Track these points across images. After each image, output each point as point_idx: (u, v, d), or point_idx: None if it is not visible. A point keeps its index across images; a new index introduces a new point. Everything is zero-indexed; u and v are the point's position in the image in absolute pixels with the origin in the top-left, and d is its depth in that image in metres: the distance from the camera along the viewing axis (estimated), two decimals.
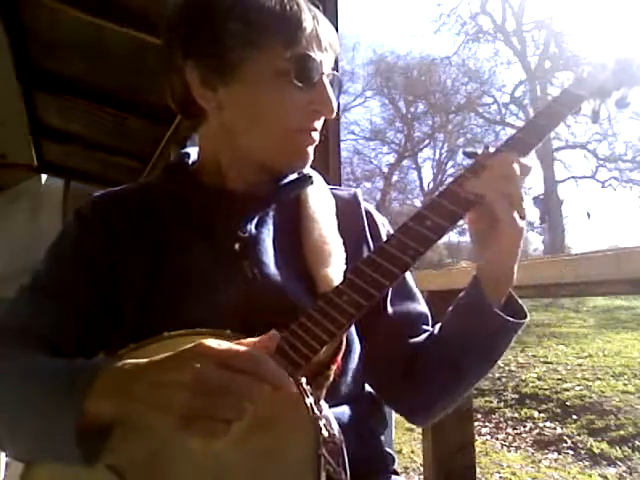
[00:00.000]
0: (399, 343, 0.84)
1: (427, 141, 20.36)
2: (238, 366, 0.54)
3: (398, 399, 0.87)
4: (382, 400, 0.90)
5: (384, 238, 0.90)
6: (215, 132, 0.82)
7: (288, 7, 0.75)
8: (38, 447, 0.64)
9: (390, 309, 0.86)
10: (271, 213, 0.84)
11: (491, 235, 0.70)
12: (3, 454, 1.90)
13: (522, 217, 0.68)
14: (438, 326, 0.83)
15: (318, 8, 0.80)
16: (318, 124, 0.81)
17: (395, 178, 20.72)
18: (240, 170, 0.83)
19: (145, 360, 0.59)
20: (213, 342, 0.56)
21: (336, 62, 0.84)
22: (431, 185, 19.74)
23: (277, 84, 0.76)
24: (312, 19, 0.77)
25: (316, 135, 0.81)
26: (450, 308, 0.80)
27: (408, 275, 0.89)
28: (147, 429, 0.59)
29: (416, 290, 0.91)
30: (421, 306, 0.90)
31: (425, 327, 0.88)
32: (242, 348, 0.56)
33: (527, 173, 0.70)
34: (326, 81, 0.78)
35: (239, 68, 0.75)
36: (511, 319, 0.73)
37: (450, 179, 0.74)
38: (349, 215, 0.88)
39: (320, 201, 0.86)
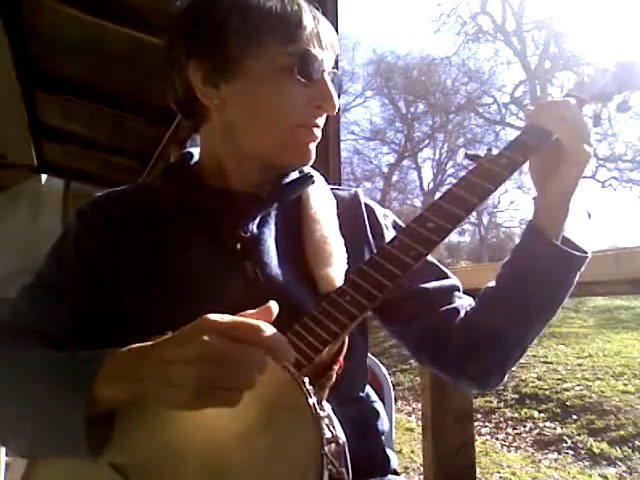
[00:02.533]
0: (445, 317, 0.83)
1: (427, 141, 20.32)
2: (242, 336, 0.55)
3: (469, 369, 0.83)
4: (453, 378, 0.87)
5: (386, 231, 0.90)
6: (217, 131, 0.82)
7: (288, 7, 0.76)
8: (42, 440, 0.64)
9: (424, 288, 0.85)
10: (273, 213, 0.84)
11: (555, 170, 0.72)
12: (3, 454, 1.90)
13: (589, 145, 0.71)
14: (492, 283, 0.81)
15: (318, 10, 0.81)
16: (320, 121, 0.81)
17: (395, 178, 20.69)
18: (242, 169, 0.83)
19: (150, 342, 0.59)
20: (216, 316, 0.56)
21: (336, 63, 0.85)
22: (431, 185, 19.69)
23: (279, 80, 0.77)
24: (312, 18, 0.78)
25: (318, 132, 0.82)
26: (505, 260, 0.80)
27: (431, 258, 0.88)
28: (152, 427, 0.60)
29: (444, 268, 0.91)
30: (452, 279, 0.89)
31: (461, 295, 0.87)
32: (244, 319, 0.57)
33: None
34: (327, 78, 0.79)
35: (241, 65, 0.76)
36: (576, 252, 0.74)
37: (450, 179, 0.75)
38: (350, 215, 0.88)
39: (321, 201, 0.86)
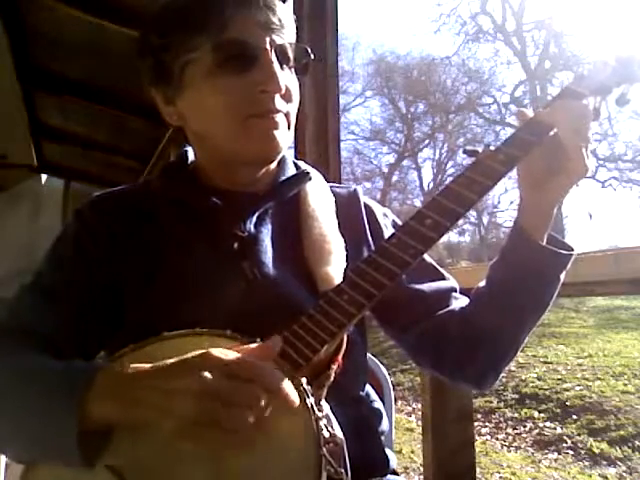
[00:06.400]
0: (443, 320, 0.83)
1: (427, 141, 20.32)
2: (244, 376, 0.55)
3: (466, 371, 0.84)
4: (451, 380, 0.88)
5: (386, 230, 0.90)
6: (192, 140, 0.84)
7: (192, 1, 0.75)
8: (37, 448, 0.64)
9: (422, 291, 0.86)
10: (270, 211, 0.83)
11: (550, 174, 0.72)
12: (3, 455, 1.90)
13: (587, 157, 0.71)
14: (482, 284, 0.82)
15: None
16: (279, 105, 0.76)
17: (395, 178, 20.68)
18: (226, 171, 0.83)
19: (148, 365, 0.59)
20: (219, 351, 0.56)
21: (297, 30, 0.80)
22: (431, 185, 19.69)
23: (214, 78, 0.75)
24: (233, 2, 0.74)
25: (280, 117, 0.76)
26: (492, 262, 0.80)
27: (429, 258, 0.88)
28: (148, 431, 0.59)
29: (441, 269, 0.91)
30: (450, 281, 0.90)
31: (458, 296, 0.87)
32: (248, 358, 0.57)
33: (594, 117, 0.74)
34: (267, 56, 0.74)
35: (180, 77, 0.77)
36: (561, 251, 0.74)
37: (450, 179, 0.74)
38: (349, 213, 0.88)
39: (320, 199, 0.86)
